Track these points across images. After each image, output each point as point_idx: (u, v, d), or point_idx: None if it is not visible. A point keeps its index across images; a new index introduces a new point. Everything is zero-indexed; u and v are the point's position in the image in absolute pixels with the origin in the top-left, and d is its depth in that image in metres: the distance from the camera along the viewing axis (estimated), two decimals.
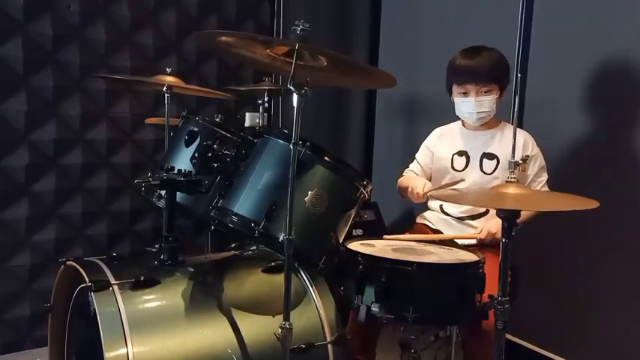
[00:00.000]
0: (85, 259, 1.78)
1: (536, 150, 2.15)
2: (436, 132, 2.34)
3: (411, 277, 1.57)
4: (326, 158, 1.66)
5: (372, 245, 1.84)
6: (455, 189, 1.94)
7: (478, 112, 2.09)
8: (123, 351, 1.48)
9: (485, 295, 1.60)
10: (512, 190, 1.48)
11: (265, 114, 2.94)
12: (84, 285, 1.59)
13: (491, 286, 1.56)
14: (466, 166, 2.18)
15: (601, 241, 2.32)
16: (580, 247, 2.40)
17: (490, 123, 2.18)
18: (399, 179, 2.32)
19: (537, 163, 2.14)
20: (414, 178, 2.23)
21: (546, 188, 2.15)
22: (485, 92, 2.08)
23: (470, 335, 1.88)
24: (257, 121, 2.98)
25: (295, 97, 1.47)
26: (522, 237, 2.46)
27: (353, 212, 1.74)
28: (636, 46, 2.20)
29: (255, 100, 2.99)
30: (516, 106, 2.29)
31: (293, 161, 1.48)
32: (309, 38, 1.49)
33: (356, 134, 3.63)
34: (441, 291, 1.62)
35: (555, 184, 2.16)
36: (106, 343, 1.48)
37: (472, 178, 2.15)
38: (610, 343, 2.32)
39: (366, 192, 1.75)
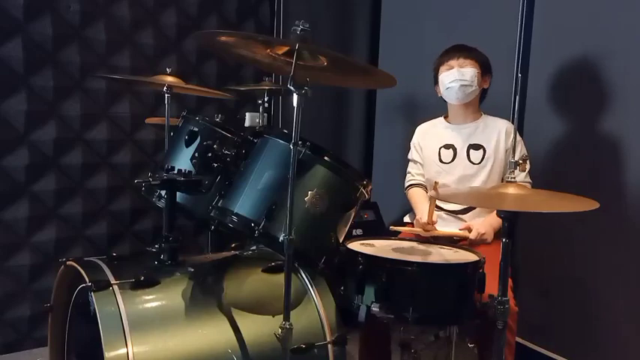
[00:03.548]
0: (85, 259, 1.78)
1: (518, 137, 2.20)
2: (420, 128, 2.41)
3: (411, 277, 1.57)
4: (326, 158, 1.66)
5: (372, 245, 1.84)
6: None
7: (461, 80, 2.17)
8: (123, 351, 1.48)
9: (485, 295, 1.60)
10: (512, 190, 1.48)
11: (265, 114, 2.94)
12: (84, 285, 1.59)
13: (491, 286, 1.56)
14: (454, 158, 2.25)
15: (601, 240, 2.32)
16: (580, 247, 2.40)
17: (473, 115, 2.27)
18: (408, 191, 2.38)
19: (519, 149, 2.19)
20: (420, 205, 2.24)
21: (528, 178, 2.19)
22: (467, 65, 2.19)
23: (483, 341, 1.88)
24: (257, 121, 2.98)
25: (295, 97, 1.47)
26: (522, 237, 2.48)
27: (353, 212, 1.74)
28: (637, 46, 2.20)
29: (255, 100, 2.99)
30: (516, 106, 2.30)
31: (293, 161, 1.48)
32: (309, 38, 1.50)
33: (356, 134, 3.63)
34: (441, 291, 1.62)
35: (555, 184, 2.16)
36: (106, 342, 1.48)
37: (460, 169, 2.23)
38: (611, 343, 2.32)
39: (366, 192, 1.75)
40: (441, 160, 2.28)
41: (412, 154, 2.40)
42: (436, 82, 2.30)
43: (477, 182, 2.21)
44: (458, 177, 2.23)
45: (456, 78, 2.18)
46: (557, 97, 2.48)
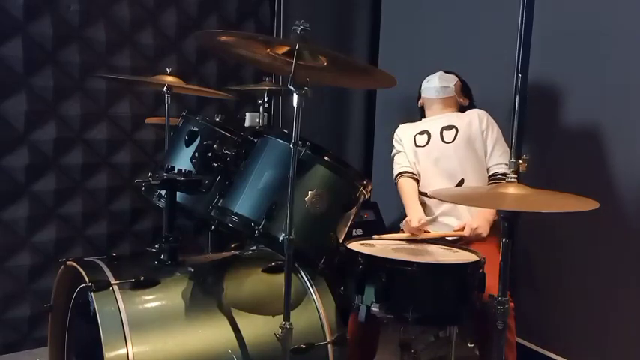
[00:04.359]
0: (85, 259, 1.78)
1: (491, 121, 2.31)
2: (400, 126, 2.49)
3: (411, 277, 1.57)
4: (326, 158, 1.66)
5: (372, 245, 1.84)
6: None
7: (441, 77, 2.35)
8: (123, 351, 1.48)
9: (485, 295, 1.60)
10: (512, 190, 1.48)
11: (265, 114, 2.94)
12: (84, 285, 1.59)
13: (491, 286, 1.56)
14: (428, 141, 2.32)
15: (601, 240, 2.32)
16: (580, 247, 2.40)
17: (450, 108, 2.37)
18: (398, 181, 2.38)
19: (495, 133, 2.28)
20: (410, 204, 2.26)
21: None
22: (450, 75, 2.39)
23: (483, 341, 1.89)
24: (257, 121, 2.98)
25: (295, 97, 1.47)
26: (522, 237, 2.48)
27: (353, 212, 1.74)
28: (637, 46, 2.20)
29: (255, 100, 2.99)
30: (516, 106, 2.30)
31: (293, 161, 1.48)
32: (309, 38, 1.50)
33: (356, 134, 3.63)
34: (441, 291, 1.62)
35: (555, 184, 2.16)
36: (106, 342, 1.48)
37: (435, 150, 2.30)
38: (611, 343, 2.32)
39: (366, 192, 1.76)
40: (416, 145, 2.34)
41: (395, 148, 2.45)
42: (420, 96, 2.46)
43: (451, 161, 2.25)
44: (434, 159, 2.29)
45: (437, 74, 2.37)
46: (557, 97, 2.48)
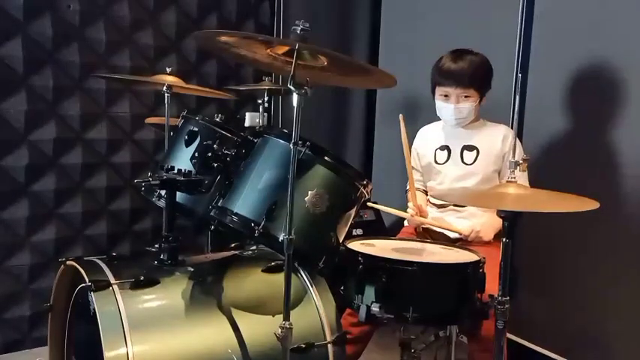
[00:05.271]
0: (85, 258, 1.78)
1: (516, 142, 2.14)
2: (420, 132, 2.43)
3: (411, 277, 1.57)
4: (326, 158, 1.66)
5: (372, 245, 1.84)
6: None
7: (457, 119, 2.21)
8: (123, 350, 1.48)
9: (485, 295, 1.60)
10: (512, 190, 1.48)
11: (265, 114, 2.94)
12: (84, 285, 1.58)
13: (491, 286, 1.56)
14: (447, 158, 2.27)
15: (601, 240, 2.32)
16: (580, 247, 2.40)
17: (472, 123, 2.26)
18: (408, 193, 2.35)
19: (517, 153, 2.14)
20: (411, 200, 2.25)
21: (526, 181, 2.14)
22: (465, 97, 2.16)
23: (474, 342, 1.89)
24: (257, 121, 2.98)
25: (295, 97, 1.47)
26: (523, 237, 2.48)
27: (353, 212, 1.74)
28: (637, 46, 2.20)
29: (255, 100, 2.99)
30: (516, 106, 2.30)
31: (293, 161, 1.48)
32: (309, 38, 1.50)
33: (356, 134, 3.63)
34: (441, 291, 1.62)
35: (555, 184, 2.16)
36: (106, 342, 1.48)
37: (453, 169, 2.25)
38: (611, 343, 2.32)
39: (366, 192, 1.75)
40: (436, 162, 2.30)
41: (413, 160, 2.37)
42: (433, 90, 2.26)
43: (466, 183, 2.21)
44: (451, 178, 2.25)
45: (452, 116, 2.19)
46: (557, 97, 2.48)
